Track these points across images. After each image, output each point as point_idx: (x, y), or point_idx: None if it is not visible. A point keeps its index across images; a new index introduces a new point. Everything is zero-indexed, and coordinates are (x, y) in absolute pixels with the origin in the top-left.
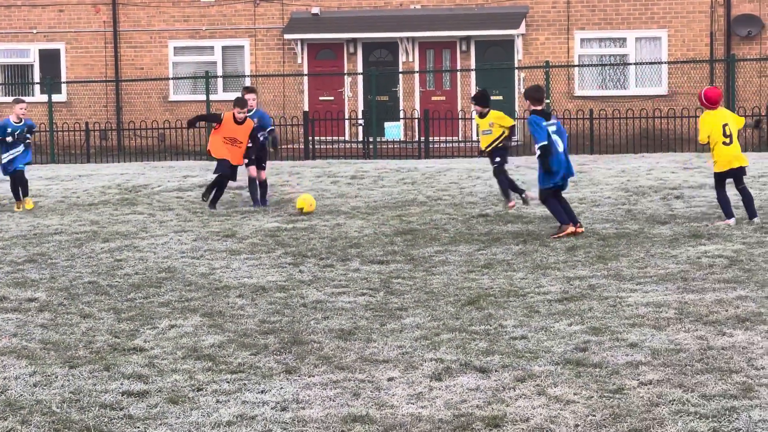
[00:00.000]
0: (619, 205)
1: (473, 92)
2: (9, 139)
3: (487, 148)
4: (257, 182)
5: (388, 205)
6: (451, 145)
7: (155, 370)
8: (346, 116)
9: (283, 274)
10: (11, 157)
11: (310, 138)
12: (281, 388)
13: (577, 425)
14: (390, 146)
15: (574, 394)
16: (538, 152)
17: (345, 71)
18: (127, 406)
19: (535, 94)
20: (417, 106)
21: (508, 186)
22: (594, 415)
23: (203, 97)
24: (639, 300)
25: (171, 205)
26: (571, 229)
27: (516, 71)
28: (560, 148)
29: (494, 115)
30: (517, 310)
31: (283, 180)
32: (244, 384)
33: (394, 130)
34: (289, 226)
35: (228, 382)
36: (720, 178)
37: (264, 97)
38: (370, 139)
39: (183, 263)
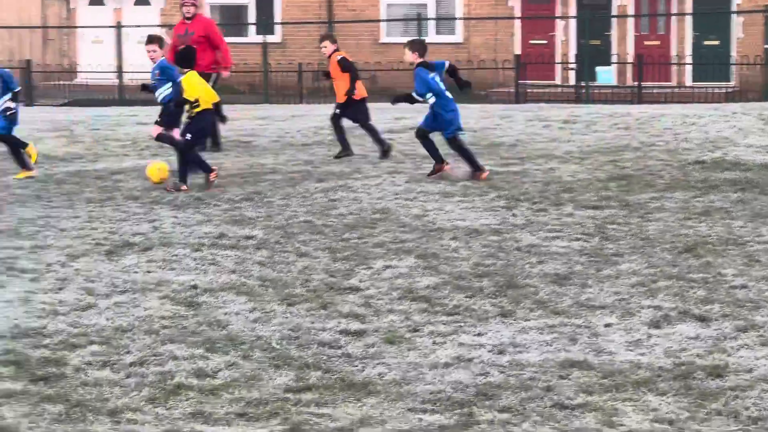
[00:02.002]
0: None
1: (689, 37)
2: None
3: None
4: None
5: (601, 150)
6: (665, 90)
7: (371, 310)
8: (558, 60)
9: (496, 218)
10: None
11: (521, 82)
12: (497, 331)
13: None
14: (602, 91)
15: None
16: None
17: (558, 14)
18: (344, 344)
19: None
20: (630, 50)
21: None
22: None
23: None
24: None
25: None
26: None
27: (733, 16)
28: None
29: None
30: (736, 259)
31: (494, 123)
32: (460, 326)
33: (606, 75)
34: (502, 170)
35: (444, 324)
36: None
37: (474, 40)
38: (582, 84)
39: (396, 204)
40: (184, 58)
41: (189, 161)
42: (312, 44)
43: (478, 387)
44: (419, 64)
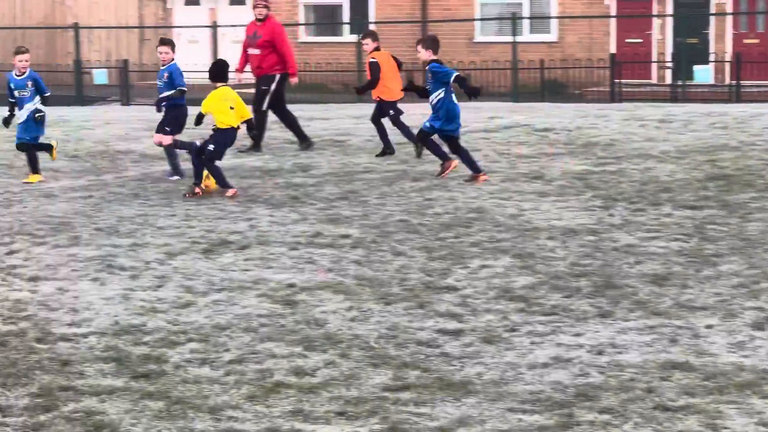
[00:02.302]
0: None
1: None
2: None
3: None
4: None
5: (698, 150)
6: (764, 89)
7: (468, 309)
8: (654, 59)
9: (593, 217)
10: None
11: (617, 81)
12: (596, 331)
13: None
14: (699, 90)
15: None
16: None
17: (654, 13)
18: (442, 343)
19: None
20: (728, 48)
21: None
22: None
23: (509, 39)
24: None
25: (478, 146)
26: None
27: None
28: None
29: None
30: None
31: (590, 123)
32: (558, 326)
33: (703, 74)
34: (598, 169)
35: (542, 324)
36: None
37: (569, 39)
38: (679, 83)
39: (492, 204)
40: (216, 73)
41: (212, 174)
42: (406, 43)
43: (577, 388)
44: (434, 61)
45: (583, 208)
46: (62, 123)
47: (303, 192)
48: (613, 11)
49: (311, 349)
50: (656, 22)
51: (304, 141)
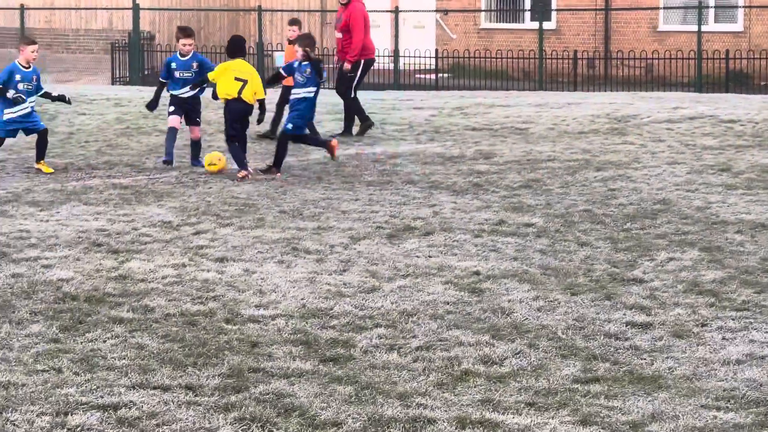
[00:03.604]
0: None
1: None
2: (10, 93)
3: None
4: (191, 140)
5: None
6: None
7: (657, 303)
8: None
9: None
10: (13, 115)
11: None
12: None
13: None
14: None
15: None
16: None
17: None
18: (631, 336)
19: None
20: None
21: None
22: None
23: (693, 28)
24: None
25: (662, 137)
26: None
27: None
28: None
29: None
30: None
31: None
32: (750, 322)
33: None
34: None
35: (733, 320)
36: None
37: (756, 29)
38: None
39: (677, 196)
40: (231, 48)
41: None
42: (587, 31)
43: None
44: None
45: None
46: None
47: (485, 179)
48: None
49: (498, 338)
50: None
51: (365, 121)
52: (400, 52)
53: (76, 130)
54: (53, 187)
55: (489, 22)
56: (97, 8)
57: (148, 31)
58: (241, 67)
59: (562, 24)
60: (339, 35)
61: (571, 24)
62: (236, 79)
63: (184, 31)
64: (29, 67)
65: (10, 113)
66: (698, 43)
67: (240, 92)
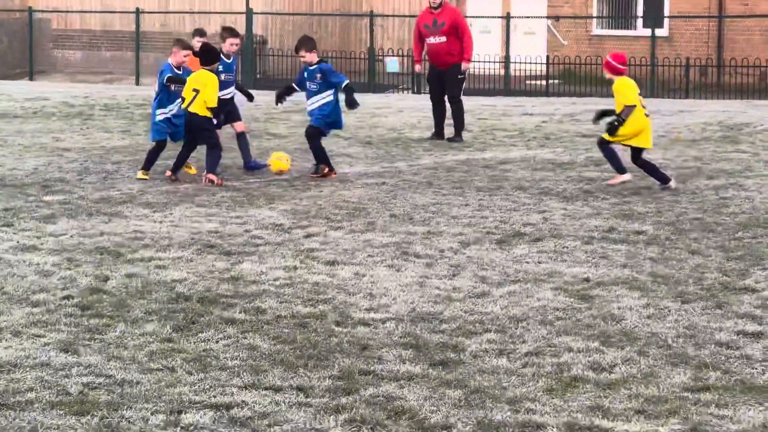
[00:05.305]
0: None
1: None
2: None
3: None
4: (236, 135)
5: None
6: None
7: None
8: None
9: None
10: (166, 116)
11: None
12: None
13: None
14: None
15: None
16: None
17: None
18: (743, 345)
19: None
20: None
21: None
22: None
23: None
24: None
25: None
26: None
27: None
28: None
29: None
30: None
31: None
32: None
33: None
34: None
35: None
36: None
37: None
38: None
39: None
40: (204, 57)
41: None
42: (700, 39)
43: None
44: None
45: None
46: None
47: (596, 186)
48: None
49: (608, 344)
50: None
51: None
52: (510, 58)
53: None
54: (166, 189)
55: (600, 28)
56: (211, 12)
57: (260, 35)
58: (201, 77)
59: (675, 31)
60: (441, 39)
61: (683, 31)
62: (193, 89)
63: (231, 31)
64: (180, 69)
65: (162, 113)
66: None
67: (189, 104)
